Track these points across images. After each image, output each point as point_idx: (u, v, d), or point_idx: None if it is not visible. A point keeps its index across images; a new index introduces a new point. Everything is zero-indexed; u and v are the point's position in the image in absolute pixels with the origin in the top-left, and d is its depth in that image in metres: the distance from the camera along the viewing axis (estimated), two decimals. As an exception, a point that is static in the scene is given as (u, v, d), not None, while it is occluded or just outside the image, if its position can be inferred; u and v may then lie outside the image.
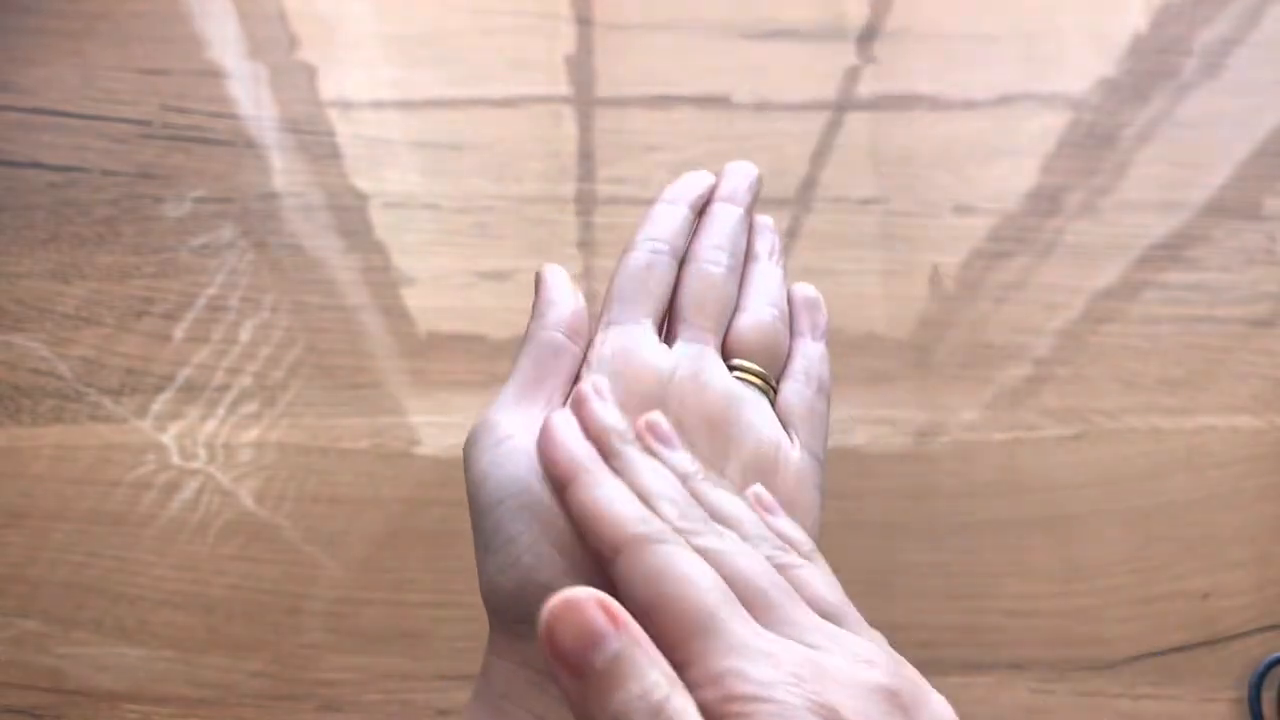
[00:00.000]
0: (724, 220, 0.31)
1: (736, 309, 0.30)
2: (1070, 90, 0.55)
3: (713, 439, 0.27)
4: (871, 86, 0.55)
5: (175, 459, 0.46)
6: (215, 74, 0.54)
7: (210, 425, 0.47)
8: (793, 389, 0.29)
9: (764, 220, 0.32)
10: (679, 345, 0.28)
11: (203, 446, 0.47)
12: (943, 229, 0.51)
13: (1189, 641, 0.45)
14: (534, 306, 0.29)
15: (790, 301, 0.31)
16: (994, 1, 0.57)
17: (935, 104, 0.54)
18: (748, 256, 0.31)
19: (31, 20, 0.55)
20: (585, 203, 0.52)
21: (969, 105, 0.54)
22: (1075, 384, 0.48)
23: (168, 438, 0.47)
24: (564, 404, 0.27)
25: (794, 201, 0.52)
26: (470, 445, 0.26)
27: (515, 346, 0.48)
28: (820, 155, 0.53)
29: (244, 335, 0.48)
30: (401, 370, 0.48)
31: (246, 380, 0.48)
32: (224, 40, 0.55)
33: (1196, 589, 0.45)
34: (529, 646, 0.24)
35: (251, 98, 0.53)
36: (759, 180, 0.32)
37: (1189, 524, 0.46)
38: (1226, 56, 0.55)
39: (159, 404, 0.47)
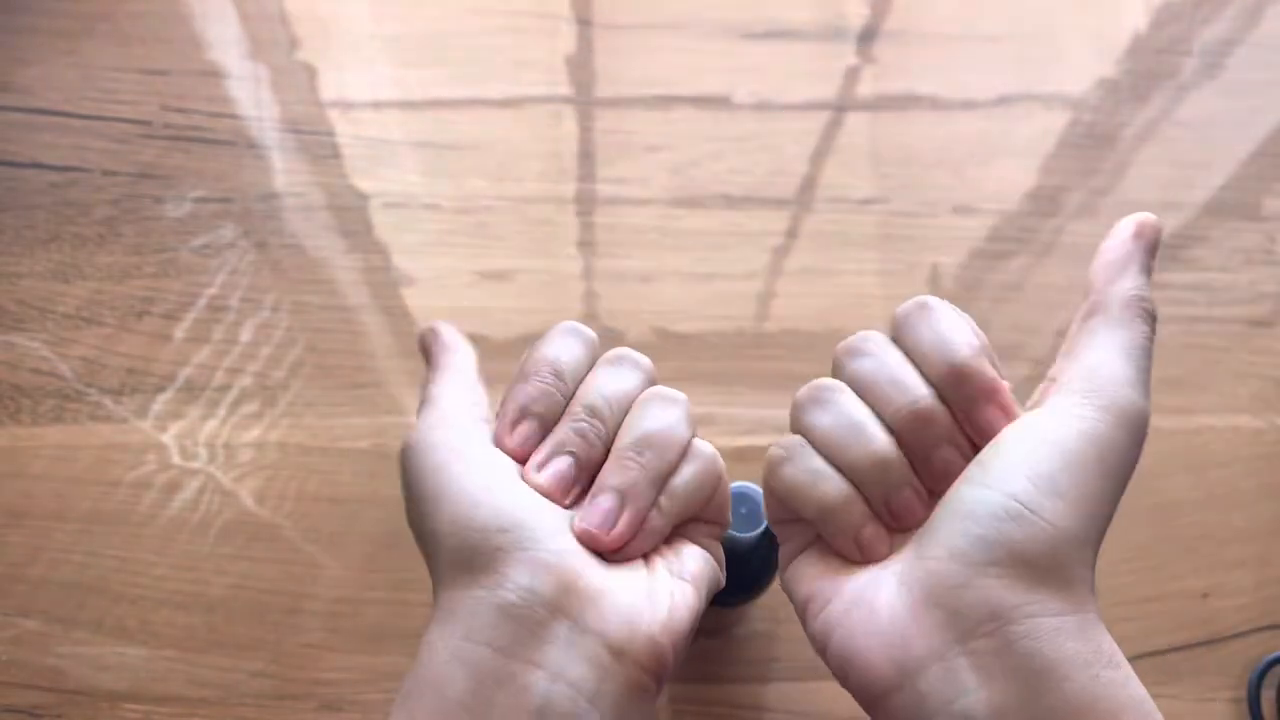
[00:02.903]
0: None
1: None
2: (1070, 90, 0.55)
3: None
4: (871, 86, 0.55)
5: (176, 459, 0.46)
6: (215, 74, 0.54)
7: (211, 425, 0.47)
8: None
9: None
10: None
11: (203, 446, 0.47)
12: (942, 229, 0.51)
13: (1188, 641, 0.45)
14: (431, 361, 0.31)
15: None
16: (994, 1, 0.57)
17: (935, 104, 0.54)
18: None
19: (32, 21, 0.55)
20: (585, 203, 0.52)
21: (969, 105, 0.54)
22: (1075, 384, 0.48)
23: (168, 437, 0.47)
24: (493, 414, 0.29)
25: (794, 201, 0.52)
26: (409, 448, 0.28)
27: (516, 347, 0.48)
28: (820, 155, 0.53)
29: (244, 335, 0.49)
30: (401, 370, 0.48)
31: (247, 380, 0.48)
32: (224, 41, 0.55)
33: (1196, 589, 0.45)
34: (483, 574, 0.25)
35: (252, 98, 0.53)
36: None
37: (1189, 524, 0.46)
38: (1226, 57, 0.55)
39: (159, 404, 0.47)
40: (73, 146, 0.52)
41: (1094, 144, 0.53)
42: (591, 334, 0.30)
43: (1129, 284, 0.26)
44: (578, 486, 0.27)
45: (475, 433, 0.28)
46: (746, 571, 0.38)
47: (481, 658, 0.24)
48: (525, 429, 0.28)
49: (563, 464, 0.27)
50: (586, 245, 0.51)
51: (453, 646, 0.24)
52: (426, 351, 0.31)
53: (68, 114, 0.53)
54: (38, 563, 0.45)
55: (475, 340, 0.48)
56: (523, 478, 0.27)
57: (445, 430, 0.28)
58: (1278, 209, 0.52)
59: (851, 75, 0.55)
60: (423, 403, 0.30)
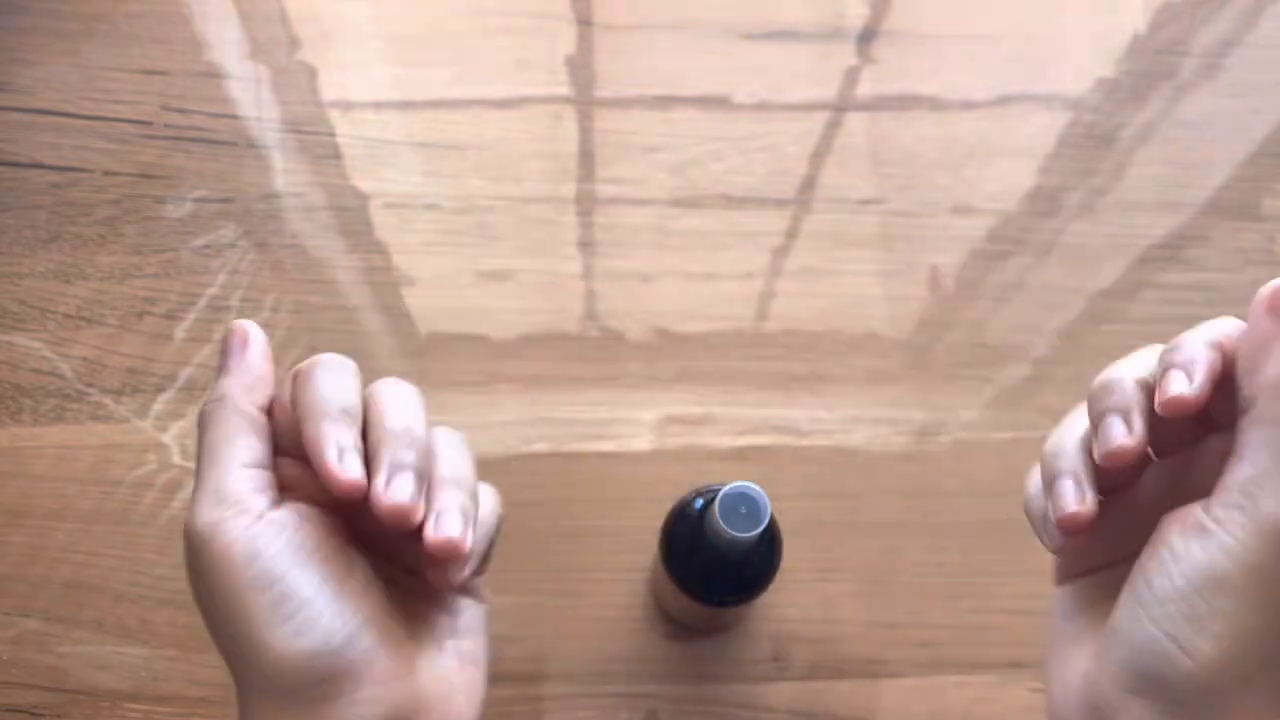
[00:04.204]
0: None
1: None
2: (1069, 90, 0.55)
3: None
4: (871, 87, 0.55)
5: (176, 459, 0.46)
6: (216, 75, 0.54)
7: (211, 425, 0.47)
8: None
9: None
10: None
11: (204, 446, 0.47)
12: (942, 229, 0.51)
13: (1188, 641, 0.45)
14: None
15: None
16: (994, 1, 0.57)
17: (935, 104, 0.54)
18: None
19: (32, 21, 0.55)
20: (585, 203, 0.52)
21: (968, 105, 0.54)
22: (1075, 384, 0.48)
23: (169, 437, 0.47)
24: (266, 446, 0.29)
25: (794, 201, 0.52)
26: (207, 540, 0.26)
27: (516, 347, 0.48)
28: (820, 155, 0.53)
29: (245, 335, 0.49)
30: (402, 370, 0.48)
31: (247, 380, 0.48)
32: (224, 41, 0.55)
33: (1195, 588, 0.45)
34: (328, 708, 0.26)
35: (252, 98, 0.53)
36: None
37: (1188, 523, 0.46)
38: (1225, 57, 0.55)
39: (160, 404, 0.47)
40: (73, 147, 0.52)
41: (1093, 144, 0.54)
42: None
43: (1275, 370, 0.25)
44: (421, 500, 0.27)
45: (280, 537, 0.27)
46: (746, 571, 0.38)
47: None
48: (401, 479, 0.27)
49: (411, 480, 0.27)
50: (586, 245, 0.51)
51: None
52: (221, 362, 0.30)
53: (68, 114, 0.53)
54: (38, 562, 0.45)
55: (475, 340, 0.49)
56: (373, 501, 0.26)
57: (237, 536, 0.26)
58: (1277, 209, 0.52)
59: (851, 75, 0.55)
60: (201, 462, 0.28)
